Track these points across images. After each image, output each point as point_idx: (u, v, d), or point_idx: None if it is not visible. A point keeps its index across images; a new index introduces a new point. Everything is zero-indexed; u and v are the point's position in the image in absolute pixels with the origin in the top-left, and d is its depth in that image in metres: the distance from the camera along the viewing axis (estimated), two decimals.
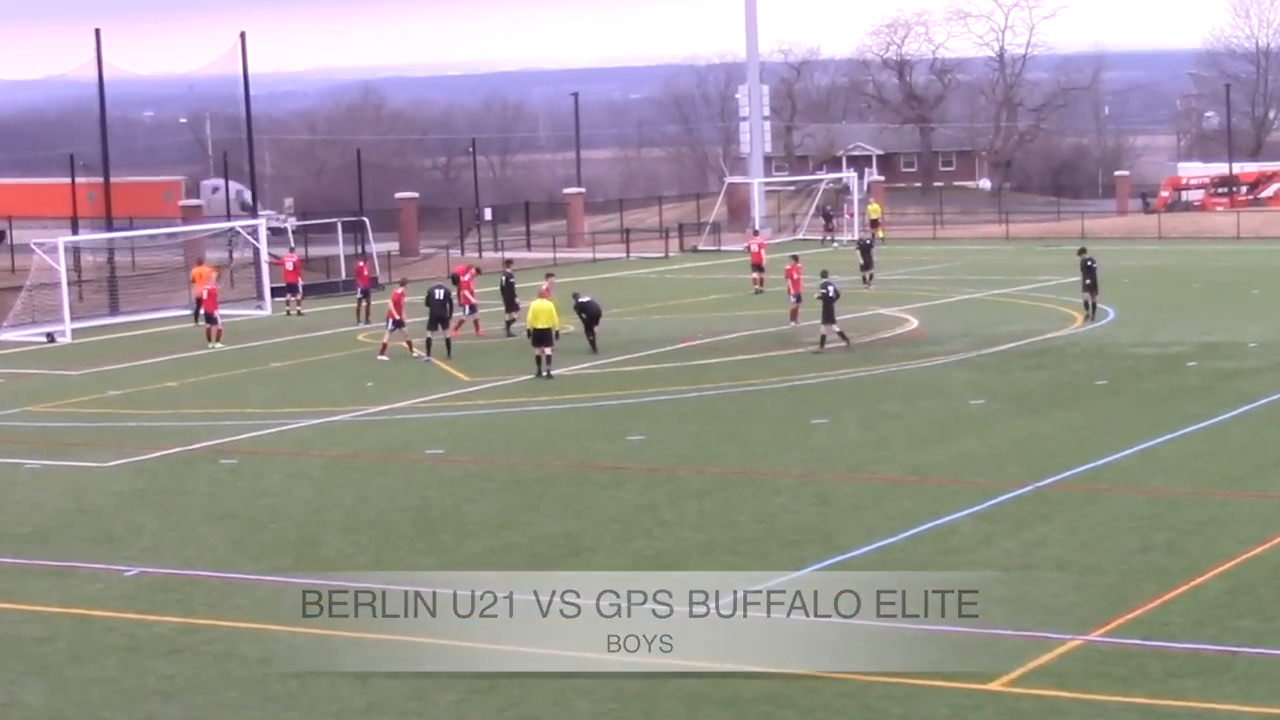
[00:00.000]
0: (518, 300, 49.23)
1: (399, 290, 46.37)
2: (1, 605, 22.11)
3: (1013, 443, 31.07)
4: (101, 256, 68.25)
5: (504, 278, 50.85)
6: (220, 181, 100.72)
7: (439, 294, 45.55)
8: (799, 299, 49.52)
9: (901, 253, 79.46)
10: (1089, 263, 49.35)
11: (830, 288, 44.01)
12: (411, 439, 33.51)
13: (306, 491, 28.72)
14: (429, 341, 44.97)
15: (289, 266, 61.16)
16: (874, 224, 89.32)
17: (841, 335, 43.97)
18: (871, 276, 61.46)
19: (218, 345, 49.71)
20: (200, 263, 59.72)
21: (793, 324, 48.88)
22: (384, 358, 45.05)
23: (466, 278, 51.12)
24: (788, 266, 50.77)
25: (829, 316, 43.75)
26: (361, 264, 59.34)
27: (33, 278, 57.44)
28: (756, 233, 74.01)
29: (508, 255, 67.30)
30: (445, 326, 45.58)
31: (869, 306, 54.90)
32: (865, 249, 63.63)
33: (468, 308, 49.91)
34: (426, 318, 45.39)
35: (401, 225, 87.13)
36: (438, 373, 42.72)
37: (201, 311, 52.06)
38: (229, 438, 34.10)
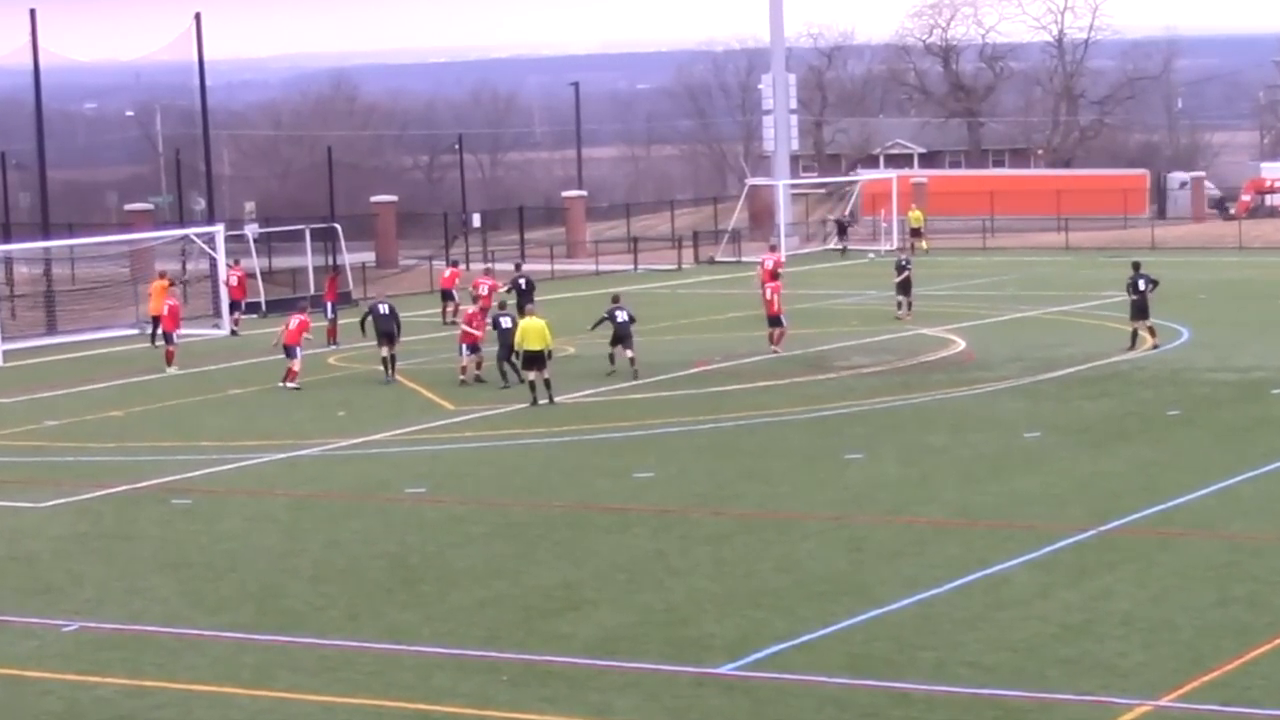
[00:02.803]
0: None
1: (303, 318, 46.69)
2: None
3: (1073, 481, 31.09)
4: (38, 269, 68.33)
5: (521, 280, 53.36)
6: None
7: (383, 308, 46.70)
8: (776, 321, 49.16)
9: (946, 265, 79.52)
10: (1141, 281, 47.60)
11: (622, 313, 45.40)
12: (389, 476, 33.56)
13: (270, 536, 28.77)
14: (386, 361, 45.98)
15: (232, 282, 61.40)
16: (915, 234, 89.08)
17: (632, 362, 44.90)
18: (909, 306, 57.49)
19: (173, 369, 49.92)
20: (163, 276, 59.50)
21: (774, 350, 48.60)
22: (294, 385, 45.24)
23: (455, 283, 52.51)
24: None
25: (622, 340, 45.26)
26: (333, 277, 59.46)
27: None
28: (774, 248, 69.87)
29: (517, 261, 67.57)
30: (394, 342, 46.39)
31: (909, 325, 54.94)
32: (902, 270, 58.00)
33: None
34: (375, 336, 46.59)
35: (378, 233, 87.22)
36: (419, 400, 42.79)
37: (159, 330, 52.58)
38: (182, 474, 34.15)
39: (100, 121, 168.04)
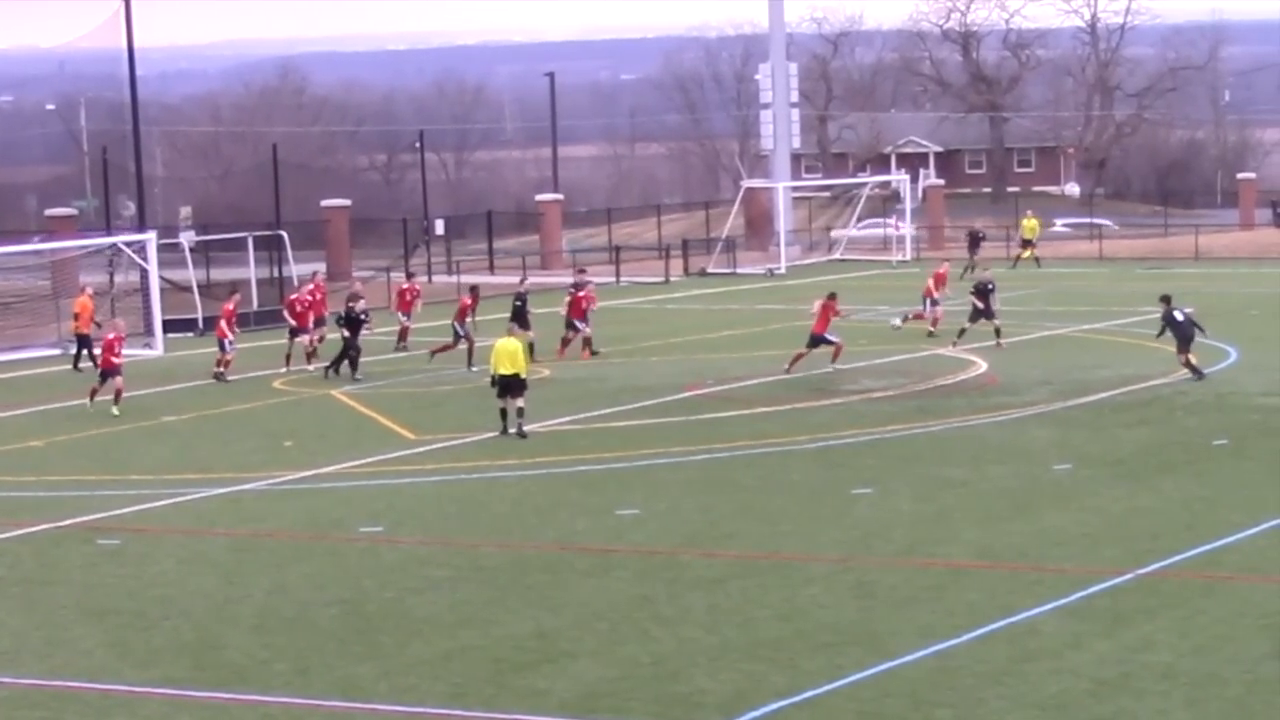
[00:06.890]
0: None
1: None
2: None
3: (1107, 519, 31.15)
4: None
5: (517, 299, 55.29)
6: None
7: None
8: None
9: (965, 277, 79.51)
10: (1178, 314, 46.06)
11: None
12: (342, 514, 33.56)
13: (208, 580, 28.76)
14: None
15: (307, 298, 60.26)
16: (1027, 244, 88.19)
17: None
18: (997, 331, 54.73)
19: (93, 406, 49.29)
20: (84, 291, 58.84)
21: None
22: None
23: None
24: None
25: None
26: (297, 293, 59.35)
27: None
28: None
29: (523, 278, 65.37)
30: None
31: (924, 345, 55.02)
32: (985, 294, 55.47)
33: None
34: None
35: (329, 241, 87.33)
36: (375, 429, 42.81)
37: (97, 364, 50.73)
38: (109, 511, 34.13)
39: (17, 116, 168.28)
